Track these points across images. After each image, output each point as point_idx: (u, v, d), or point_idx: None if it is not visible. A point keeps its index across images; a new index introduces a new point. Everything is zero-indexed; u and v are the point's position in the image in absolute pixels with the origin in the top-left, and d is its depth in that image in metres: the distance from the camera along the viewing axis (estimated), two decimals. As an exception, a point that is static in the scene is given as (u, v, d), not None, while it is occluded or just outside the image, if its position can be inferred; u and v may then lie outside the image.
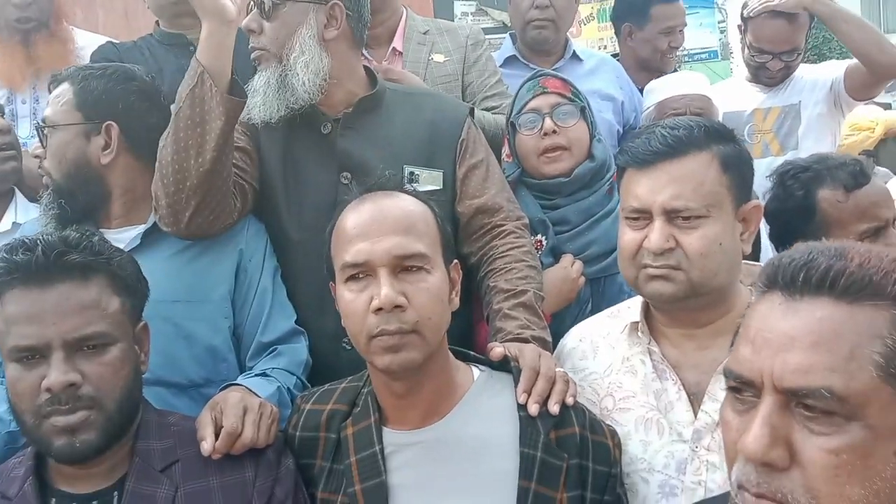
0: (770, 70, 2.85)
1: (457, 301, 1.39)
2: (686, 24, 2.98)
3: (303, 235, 1.78)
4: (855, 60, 2.76)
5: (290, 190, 1.81)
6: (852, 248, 0.86)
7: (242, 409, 1.38)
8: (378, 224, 1.31)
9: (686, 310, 1.44)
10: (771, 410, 0.81)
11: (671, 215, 1.40)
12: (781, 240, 1.89)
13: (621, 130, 2.63)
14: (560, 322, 1.81)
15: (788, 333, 0.82)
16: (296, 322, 1.77)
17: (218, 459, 1.34)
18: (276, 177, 1.82)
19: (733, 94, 2.95)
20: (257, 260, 1.78)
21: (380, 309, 1.25)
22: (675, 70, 3.02)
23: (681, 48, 3.00)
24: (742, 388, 0.86)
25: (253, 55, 1.79)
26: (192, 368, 1.71)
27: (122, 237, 1.73)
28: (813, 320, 0.82)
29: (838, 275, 0.82)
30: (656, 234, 1.40)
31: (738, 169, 1.44)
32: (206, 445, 1.33)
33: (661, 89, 2.50)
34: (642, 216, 1.44)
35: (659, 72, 2.84)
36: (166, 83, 2.10)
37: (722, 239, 1.40)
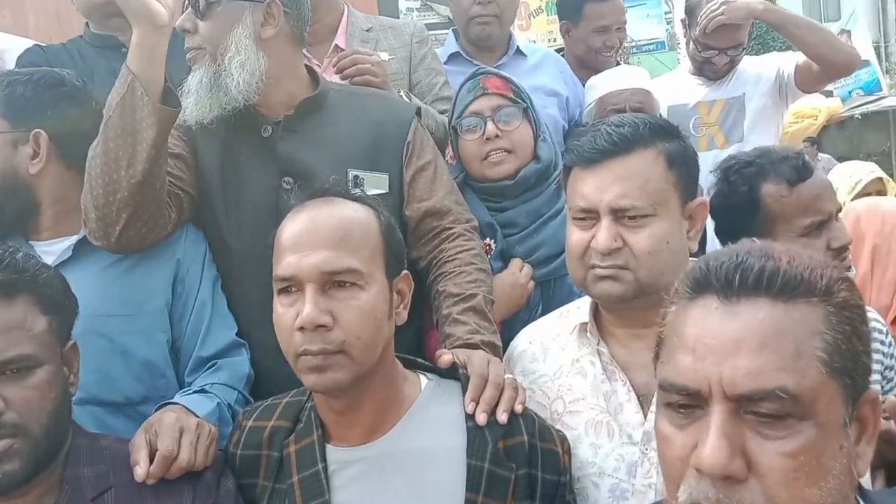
0: (716, 65, 2.85)
1: (404, 314, 1.34)
2: (624, 23, 2.91)
3: (243, 243, 1.72)
4: (804, 56, 2.78)
5: (230, 196, 1.75)
6: (776, 248, 0.86)
7: (178, 430, 1.32)
8: (309, 236, 1.26)
9: (634, 309, 1.43)
10: (724, 420, 0.79)
11: (618, 214, 1.39)
12: (727, 235, 1.88)
13: (567, 126, 2.60)
14: (510, 328, 1.77)
15: (733, 337, 0.80)
16: (237, 334, 1.71)
17: (154, 484, 1.28)
18: (213, 182, 1.75)
19: (677, 87, 2.96)
20: (195, 270, 1.72)
21: (302, 328, 1.21)
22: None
23: (620, 46, 2.92)
24: (682, 401, 0.83)
25: (188, 55, 1.72)
26: (129, 385, 1.64)
27: (53, 249, 1.65)
28: (755, 322, 0.80)
29: (773, 274, 0.82)
30: (603, 233, 1.39)
31: (683, 166, 1.43)
32: (140, 471, 1.27)
33: (600, 85, 2.48)
34: (589, 216, 1.42)
35: (597, 70, 2.77)
36: (98, 88, 2.01)
37: (669, 237, 1.39)
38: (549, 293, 1.94)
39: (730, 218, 1.84)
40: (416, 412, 1.33)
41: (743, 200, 1.81)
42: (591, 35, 2.87)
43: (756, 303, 0.81)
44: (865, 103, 11.68)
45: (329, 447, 1.32)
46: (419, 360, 1.46)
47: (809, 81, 2.83)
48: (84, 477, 1.29)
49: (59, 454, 1.29)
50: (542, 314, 1.87)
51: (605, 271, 1.40)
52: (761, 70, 2.89)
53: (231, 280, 1.74)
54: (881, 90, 12.05)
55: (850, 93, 11.28)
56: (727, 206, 1.83)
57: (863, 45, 12.24)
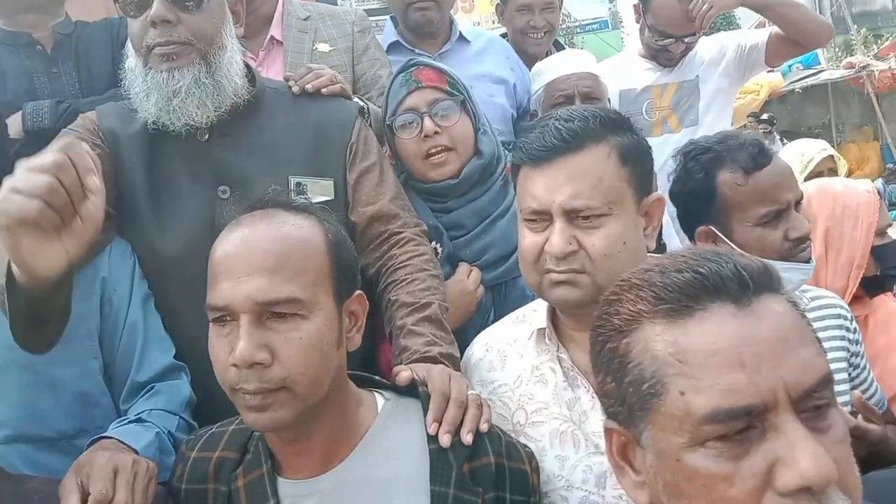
0: (672, 53, 2.80)
1: (357, 339, 1.24)
2: (552, 4, 2.76)
3: (178, 258, 1.59)
4: (773, 30, 2.77)
5: (161, 207, 1.62)
6: (720, 250, 0.83)
7: (112, 470, 1.20)
8: (242, 260, 1.13)
9: (592, 314, 1.35)
10: (802, 427, 0.72)
11: (571, 216, 1.32)
12: (685, 222, 1.84)
13: (515, 114, 2.52)
14: (462, 336, 1.68)
15: (775, 337, 0.74)
16: (175, 356, 1.59)
17: None
18: (139, 192, 1.62)
19: (626, 71, 2.90)
20: (123, 289, 1.59)
21: (235, 364, 1.11)
22: (548, 54, 2.87)
23: (552, 29, 2.80)
24: (743, 426, 0.73)
25: (164, 49, 1.56)
26: (60, 419, 1.52)
27: None
28: (779, 316, 0.77)
29: (765, 269, 0.79)
30: (557, 236, 1.32)
31: (637, 160, 1.36)
32: None
33: (547, 71, 2.40)
34: (541, 217, 1.35)
35: (528, 54, 2.70)
36: (10, 89, 1.87)
37: (626, 237, 1.33)
38: (500, 297, 1.87)
39: (687, 205, 1.80)
40: (374, 438, 1.24)
41: (699, 188, 1.77)
42: (515, 15, 2.77)
43: (764, 300, 0.77)
44: (805, 77, 11.91)
45: (280, 480, 1.22)
46: (374, 377, 1.37)
47: (780, 56, 2.84)
48: (11, 530, 1.16)
49: (-23, 506, 1.16)
50: (495, 319, 1.80)
51: (560, 276, 1.33)
52: (715, 51, 2.86)
53: (167, 296, 1.62)
54: (820, 64, 12.32)
55: (789, 67, 11.48)
56: (684, 193, 1.79)
57: (801, 19, 12.55)
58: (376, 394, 1.31)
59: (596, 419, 1.35)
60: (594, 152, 1.33)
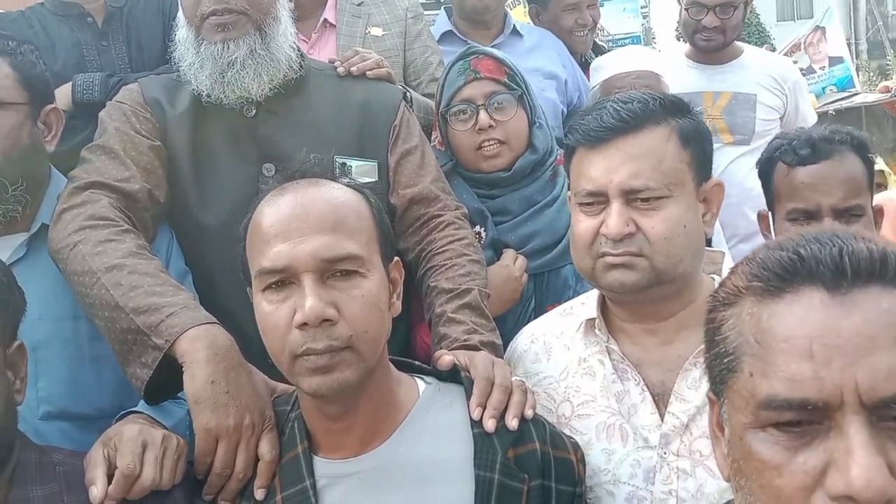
0: (707, 29, 2.74)
1: (398, 305, 1.21)
2: (595, 1, 2.79)
3: (219, 233, 1.57)
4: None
5: (204, 180, 1.61)
6: (843, 231, 0.75)
7: (141, 444, 1.16)
8: (301, 221, 1.10)
9: (648, 301, 1.32)
10: (868, 433, 0.66)
11: (629, 197, 1.28)
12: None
13: (566, 110, 2.49)
14: (501, 323, 1.65)
15: (862, 333, 0.68)
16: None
17: None
18: (184, 167, 1.61)
19: (676, 76, 2.84)
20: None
21: (305, 324, 1.06)
22: (593, 51, 2.89)
23: (595, 25, 2.81)
24: (800, 418, 0.69)
25: (220, 19, 1.55)
26: (102, 396, 1.50)
27: (6, 244, 1.49)
28: (881, 313, 0.69)
29: (884, 259, 0.70)
30: (614, 217, 1.27)
31: (698, 144, 1.32)
32: (96, 491, 1.10)
33: (607, 66, 2.36)
34: (597, 200, 1.31)
35: (574, 53, 2.70)
36: (59, 60, 1.87)
37: (685, 221, 1.28)
38: (542, 286, 1.83)
39: (763, 186, 1.83)
40: (415, 419, 1.19)
41: (763, 171, 1.81)
42: (561, 15, 2.76)
43: (870, 291, 0.70)
44: (839, 99, 11.75)
45: (317, 460, 1.17)
46: (414, 362, 1.32)
47: None
48: (33, 498, 1.12)
49: (2, 472, 1.13)
50: (536, 309, 1.79)
51: (616, 259, 1.28)
52: (776, 93, 2.79)
53: (207, 273, 1.61)
54: (854, 87, 12.16)
55: (823, 89, 11.35)
56: (759, 176, 1.83)
57: (837, 42, 12.38)
58: (417, 378, 1.27)
59: (646, 413, 1.30)
60: (654, 133, 1.29)
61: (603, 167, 1.29)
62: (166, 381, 1.31)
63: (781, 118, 2.78)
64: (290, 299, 1.08)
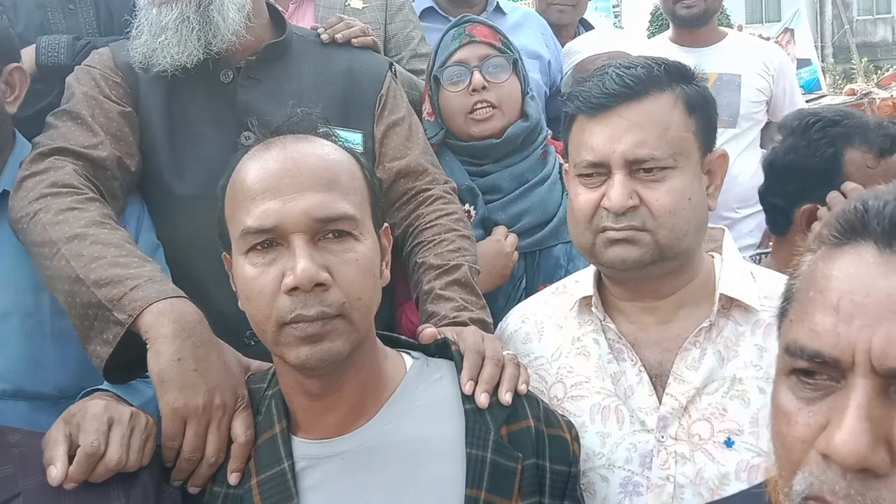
0: (688, 3, 2.71)
1: (387, 274, 1.14)
2: None
3: (194, 202, 1.48)
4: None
5: (179, 151, 1.52)
6: None
7: (107, 421, 1.06)
8: (292, 176, 1.02)
9: (649, 278, 1.27)
10: (868, 399, 0.62)
11: (633, 167, 1.22)
12: (790, 199, 1.67)
13: (549, 91, 2.44)
14: (492, 301, 1.60)
15: (893, 296, 0.63)
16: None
17: (76, 489, 1.02)
18: (157, 134, 1.53)
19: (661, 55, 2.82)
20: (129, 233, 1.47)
21: (295, 288, 0.98)
22: (577, 29, 2.85)
23: (580, 3, 2.78)
24: (814, 370, 0.67)
25: None
26: (64, 375, 1.41)
27: None
28: None
29: None
30: (617, 189, 1.21)
31: (704, 112, 1.27)
32: (55, 472, 1.00)
33: (577, 50, 2.31)
34: (598, 171, 1.25)
35: (559, 30, 2.66)
36: (21, 21, 1.76)
37: (690, 193, 1.23)
38: (533, 265, 1.79)
39: (802, 178, 1.65)
40: (402, 396, 1.12)
41: (822, 163, 1.63)
42: None
43: None
44: (806, 101, 11.94)
45: (297, 440, 1.10)
46: (400, 336, 1.25)
47: None
48: (-14, 481, 1.03)
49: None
50: (527, 289, 1.76)
51: (618, 234, 1.22)
52: (761, 74, 2.76)
53: (177, 238, 1.52)
54: (821, 89, 12.37)
55: (791, 90, 11.54)
56: (801, 166, 1.64)
57: (805, 45, 12.58)
58: (403, 353, 1.20)
59: (643, 394, 1.26)
60: (659, 100, 1.23)
61: (606, 136, 1.22)
62: (131, 361, 1.22)
63: (768, 101, 2.75)
64: (278, 262, 1.00)
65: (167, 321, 1.16)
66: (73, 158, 1.42)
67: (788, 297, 0.74)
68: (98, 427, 1.05)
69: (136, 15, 1.54)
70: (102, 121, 1.47)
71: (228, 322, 1.33)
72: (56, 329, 1.39)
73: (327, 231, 1.01)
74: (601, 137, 1.23)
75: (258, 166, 1.04)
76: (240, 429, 1.12)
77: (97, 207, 1.36)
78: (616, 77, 1.24)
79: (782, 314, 0.75)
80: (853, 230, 0.68)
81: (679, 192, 1.21)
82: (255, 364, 1.23)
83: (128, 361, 1.22)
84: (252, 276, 1.02)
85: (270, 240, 1.01)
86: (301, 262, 0.97)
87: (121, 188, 1.48)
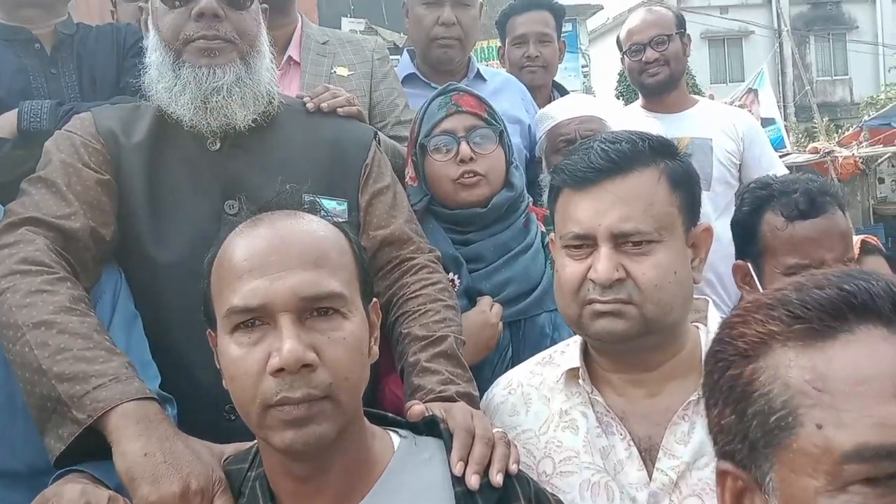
0: (650, 63, 2.78)
1: (376, 351, 1.11)
2: (547, 37, 2.81)
3: (175, 272, 1.45)
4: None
5: (160, 218, 1.49)
6: (849, 269, 0.74)
7: None
8: (279, 254, 1.00)
9: (635, 351, 1.26)
10: None
11: (619, 241, 1.23)
12: (737, 254, 1.79)
13: (529, 155, 2.47)
14: (478, 372, 1.58)
15: None
16: (162, 385, 1.41)
17: None
18: (138, 201, 1.49)
19: (631, 124, 2.87)
20: (104, 305, 1.43)
21: (281, 370, 0.95)
22: (552, 92, 2.91)
23: (552, 66, 2.84)
24: (888, 470, 0.62)
25: (208, 43, 1.48)
26: (33, 451, 1.32)
27: None
28: None
29: None
30: (603, 262, 1.22)
31: (687, 187, 1.29)
32: None
33: (550, 115, 2.34)
34: (585, 243, 1.25)
35: (531, 91, 2.72)
36: (3, 85, 1.74)
37: (676, 266, 1.24)
38: (519, 334, 1.77)
39: (735, 236, 1.76)
40: (391, 477, 1.09)
41: (745, 221, 1.74)
42: (511, 49, 2.82)
43: None
44: (771, 160, 12.25)
45: None
46: (387, 414, 1.22)
47: None
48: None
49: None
50: (513, 357, 1.73)
51: (605, 306, 1.23)
52: (731, 137, 2.82)
53: (157, 307, 1.47)
54: (785, 147, 12.75)
55: (757, 148, 11.85)
56: (733, 223, 1.76)
57: (769, 104, 13.00)
58: (390, 432, 1.17)
59: (633, 469, 1.24)
60: (644, 175, 1.25)
61: (591, 209, 1.24)
62: (86, 448, 1.19)
63: (739, 167, 2.81)
64: (264, 342, 0.98)
65: (130, 422, 1.15)
66: (44, 230, 1.38)
67: (780, 409, 0.67)
68: None
69: (143, 72, 1.54)
70: (78, 189, 1.44)
71: (209, 394, 1.29)
72: (24, 402, 1.32)
73: (315, 309, 1.00)
74: (587, 211, 1.24)
75: (245, 244, 1.03)
76: None
77: (67, 290, 1.31)
78: (601, 152, 1.25)
79: (783, 428, 0.67)
80: (846, 316, 0.66)
81: (665, 267, 1.22)
82: (230, 448, 1.19)
83: (81, 448, 1.19)
84: (237, 356, 0.99)
85: (256, 318, 0.99)
86: (287, 343, 0.95)
87: (93, 260, 1.44)
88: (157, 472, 1.09)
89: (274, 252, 1.00)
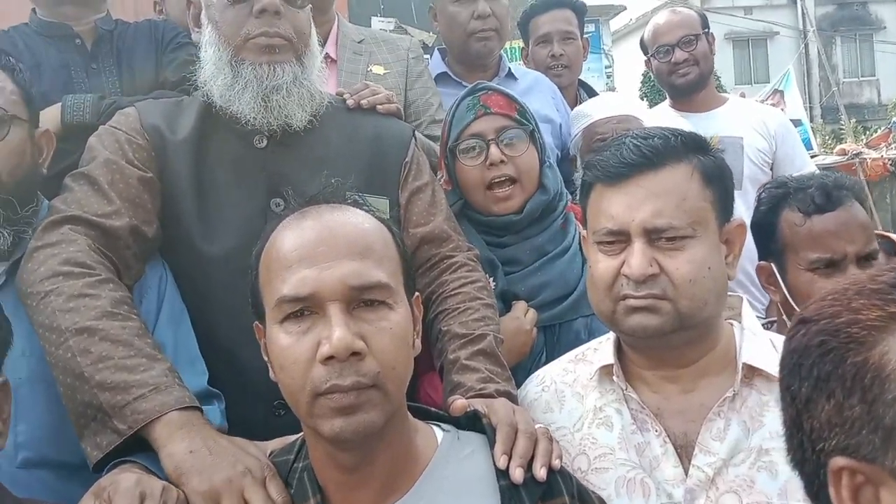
0: (679, 64, 2.78)
1: (419, 344, 1.12)
2: (571, 35, 2.81)
3: (223, 268, 1.47)
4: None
5: (207, 211, 1.51)
6: None
7: (139, 496, 1.05)
8: (327, 245, 1.02)
9: (670, 347, 1.26)
10: None
11: (652, 236, 1.23)
12: (759, 254, 1.79)
13: (560, 154, 2.46)
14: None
15: None
16: (210, 380, 1.44)
17: None
18: (184, 198, 1.51)
19: (663, 124, 2.86)
20: (150, 300, 1.45)
21: (331, 357, 0.97)
22: (578, 91, 2.91)
23: (577, 63, 2.83)
24: None
25: (269, 40, 1.49)
26: None
27: None
28: None
29: None
30: (637, 257, 1.22)
31: (720, 183, 1.28)
32: None
33: (586, 114, 2.34)
34: (618, 239, 1.25)
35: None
36: (45, 81, 1.78)
37: (710, 262, 1.24)
38: (553, 339, 1.75)
39: (755, 237, 1.74)
40: (436, 471, 1.10)
41: (763, 221, 1.74)
42: (535, 50, 2.82)
43: None
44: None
45: None
46: (429, 408, 1.24)
47: None
48: (10, 557, 1.00)
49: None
50: (546, 362, 1.69)
51: (639, 302, 1.22)
52: (763, 135, 2.80)
53: (205, 302, 1.49)
54: (812, 149, 12.60)
55: (783, 150, 11.71)
56: (752, 225, 1.74)
57: (795, 106, 12.85)
58: (433, 426, 1.18)
59: (669, 466, 1.24)
60: (676, 171, 1.25)
61: (624, 205, 1.24)
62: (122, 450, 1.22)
63: (771, 165, 2.79)
64: (313, 331, 0.99)
65: (174, 429, 1.19)
66: (86, 228, 1.40)
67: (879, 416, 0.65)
68: (130, 502, 1.03)
69: (198, 67, 1.56)
70: (121, 187, 1.45)
71: (257, 390, 1.31)
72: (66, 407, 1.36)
73: (362, 299, 1.01)
74: (620, 206, 1.24)
75: (294, 235, 1.05)
76: (276, 491, 1.09)
77: (109, 292, 1.33)
78: (634, 147, 1.25)
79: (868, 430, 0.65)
80: None
81: (699, 262, 1.22)
82: (274, 443, 1.21)
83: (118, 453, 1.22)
84: (287, 344, 1.01)
85: (306, 307, 1.01)
86: (337, 331, 0.97)
87: (135, 257, 1.45)
88: (204, 463, 1.12)
89: (322, 242, 1.02)
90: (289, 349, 1.00)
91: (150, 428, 1.19)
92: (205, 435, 1.18)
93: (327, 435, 1.00)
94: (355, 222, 1.07)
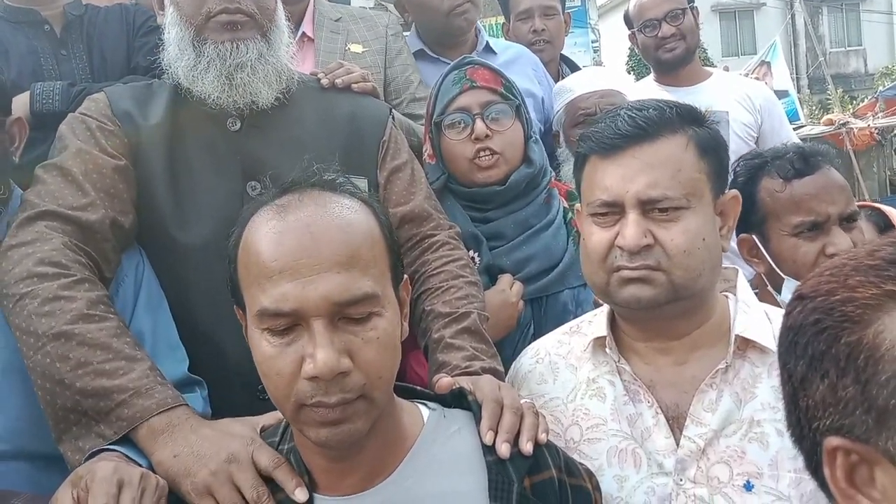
0: (666, 38, 2.76)
1: (406, 327, 1.08)
2: (551, 10, 2.77)
3: (199, 253, 1.45)
4: None
5: (182, 202, 1.48)
6: None
7: (116, 483, 1.03)
8: (310, 255, 0.95)
9: (663, 318, 1.25)
10: None
11: (647, 207, 1.21)
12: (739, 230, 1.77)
13: (542, 129, 2.43)
14: (499, 350, 1.54)
15: None
16: (191, 367, 1.41)
17: None
18: (159, 184, 1.48)
19: (646, 96, 2.84)
20: (127, 288, 1.42)
21: (315, 377, 0.94)
22: (560, 66, 2.88)
23: (558, 39, 2.80)
24: None
25: (230, 17, 1.46)
26: None
27: None
28: None
29: None
30: (631, 228, 1.21)
31: (715, 154, 1.27)
32: None
33: (570, 88, 2.31)
34: (612, 210, 1.24)
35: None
36: (13, 68, 1.74)
37: (704, 233, 1.23)
38: (541, 311, 1.76)
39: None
40: (422, 449, 1.08)
41: (743, 194, 1.72)
42: (516, 26, 2.78)
43: None
44: (785, 132, 12.12)
45: (318, 497, 1.05)
46: (414, 387, 1.22)
47: None
48: (-12, 550, 0.99)
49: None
50: (535, 335, 1.71)
51: (633, 272, 1.21)
52: (748, 109, 2.78)
53: (182, 288, 1.47)
54: (799, 120, 12.61)
55: (770, 121, 11.73)
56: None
57: (782, 77, 12.85)
58: (419, 404, 1.16)
59: (660, 436, 1.24)
60: (671, 142, 1.23)
61: (618, 176, 1.22)
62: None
63: (756, 139, 2.78)
64: (297, 343, 0.95)
65: (157, 434, 1.19)
66: (61, 224, 1.36)
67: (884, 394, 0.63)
68: (107, 490, 1.01)
69: (161, 49, 1.53)
70: (95, 178, 1.42)
71: (240, 374, 1.29)
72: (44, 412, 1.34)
73: (347, 313, 0.96)
74: (614, 178, 1.23)
75: (273, 240, 0.98)
76: (265, 460, 1.09)
77: (84, 293, 1.29)
78: (628, 118, 1.24)
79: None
80: None
81: (693, 233, 1.21)
82: (265, 418, 1.19)
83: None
84: (270, 354, 0.97)
85: (288, 322, 0.96)
86: (321, 353, 0.92)
87: (113, 250, 1.42)
88: (188, 464, 1.12)
89: (304, 252, 0.95)
90: (272, 360, 0.96)
91: (134, 433, 1.20)
92: (187, 433, 1.18)
93: (314, 441, 0.99)
94: (339, 223, 0.99)
